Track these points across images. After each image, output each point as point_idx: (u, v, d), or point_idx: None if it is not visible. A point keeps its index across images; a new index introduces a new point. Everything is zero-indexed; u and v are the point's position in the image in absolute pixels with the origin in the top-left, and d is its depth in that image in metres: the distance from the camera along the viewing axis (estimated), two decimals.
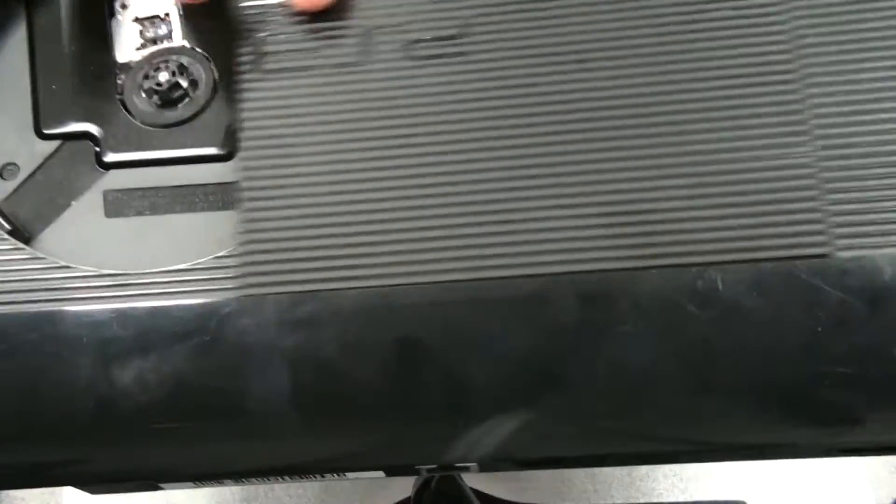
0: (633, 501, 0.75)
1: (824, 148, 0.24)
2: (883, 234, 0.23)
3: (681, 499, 0.75)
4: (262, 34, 0.28)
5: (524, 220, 0.25)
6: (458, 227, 0.25)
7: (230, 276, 0.25)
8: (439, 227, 0.25)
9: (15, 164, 0.29)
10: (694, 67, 0.26)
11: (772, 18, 0.26)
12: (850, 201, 0.24)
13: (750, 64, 0.26)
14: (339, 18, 0.28)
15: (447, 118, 0.27)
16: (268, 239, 0.26)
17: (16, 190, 0.29)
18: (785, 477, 0.74)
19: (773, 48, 0.26)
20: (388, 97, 0.27)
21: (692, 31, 0.26)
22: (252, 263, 0.25)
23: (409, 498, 0.69)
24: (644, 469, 0.76)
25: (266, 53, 0.28)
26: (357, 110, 0.27)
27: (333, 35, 0.28)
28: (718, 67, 0.26)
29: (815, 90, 0.25)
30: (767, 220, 0.24)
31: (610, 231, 0.24)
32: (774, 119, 0.25)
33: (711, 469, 0.76)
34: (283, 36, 0.28)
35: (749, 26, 0.26)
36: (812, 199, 0.24)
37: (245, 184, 0.27)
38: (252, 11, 0.29)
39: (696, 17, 0.26)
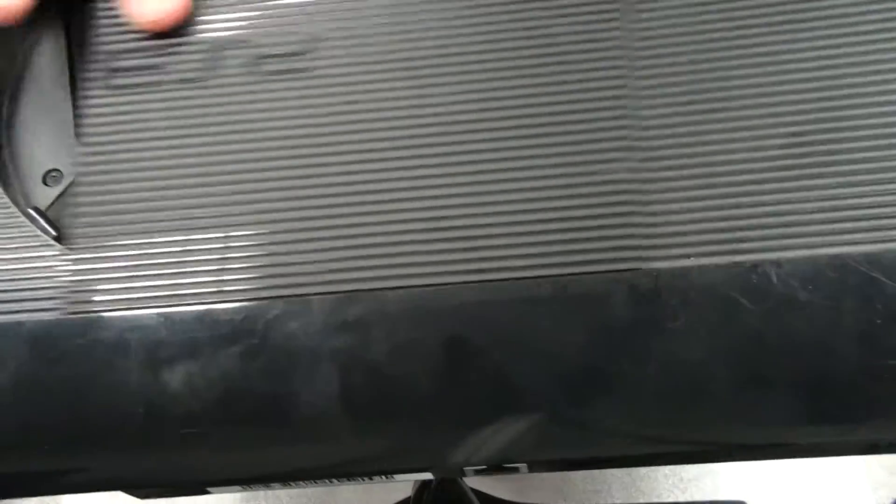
0: (632, 501, 0.75)
1: (642, 161, 0.25)
2: (695, 244, 0.24)
3: (681, 499, 0.75)
4: (107, 49, 0.29)
5: (366, 235, 0.25)
6: (301, 242, 0.26)
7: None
8: (279, 243, 0.26)
9: (59, 170, 0.29)
10: (526, 83, 0.26)
11: (605, 34, 0.26)
12: (665, 212, 0.24)
13: (581, 80, 0.26)
14: (186, 33, 0.28)
15: (292, 133, 0.27)
16: (104, 258, 0.26)
17: (60, 195, 0.29)
18: (785, 477, 0.74)
19: (606, 62, 0.26)
20: (234, 112, 0.27)
21: (526, 47, 0.27)
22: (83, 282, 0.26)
23: (409, 498, 0.69)
24: (644, 469, 0.76)
25: (113, 70, 0.28)
26: (202, 125, 0.27)
27: (180, 50, 0.28)
28: (549, 83, 0.26)
29: (644, 102, 0.26)
30: (582, 234, 0.24)
31: (435, 246, 0.25)
32: (599, 134, 0.25)
33: (712, 469, 0.76)
34: (129, 51, 0.29)
35: (583, 42, 0.26)
36: (628, 213, 0.24)
37: (84, 199, 0.27)
38: (99, 26, 0.29)
39: (530, 31, 0.27)
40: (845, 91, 0.25)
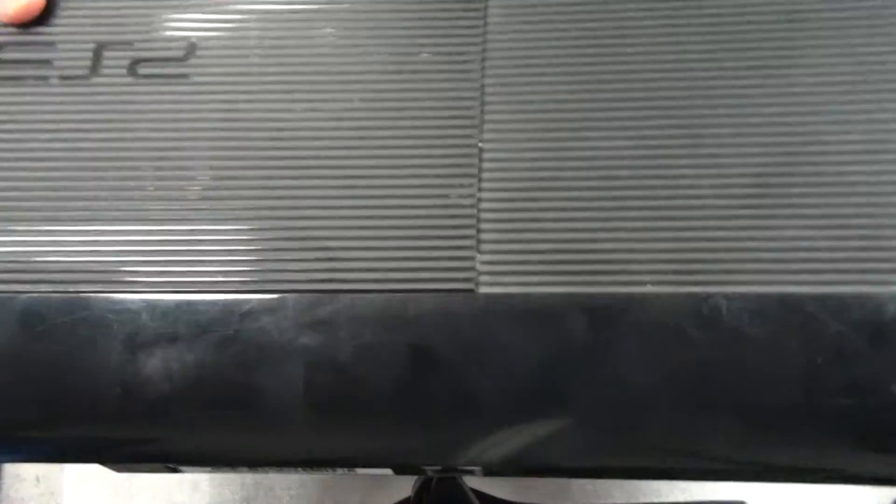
0: (633, 501, 0.75)
1: (482, 189, 0.25)
2: (525, 273, 0.25)
3: (681, 499, 0.75)
4: None
5: (219, 241, 0.26)
6: (170, 242, 0.26)
7: None
8: (152, 241, 0.26)
9: None
10: (386, 102, 0.27)
11: (462, 66, 0.27)
12: (499, 241, 0.25)
13: (435, 107, 0.27)
14: (73, 31, 0.29)
15: (165, 136, 0.27)
16: None
17: None
18: None
19: (461, 93, 0.27)
20: (109, 112, 0.28)
21: (388, 69, 0.27)
22: None
23: (409, 498, 0.69)
24: None
25: None
26: (79, 122, 0.28)
27: (65, 48, 0.29)
28: (400, 108, 0.27)
29: (489, 135, 0.26)
30: (424, 253, 0.25)
31: (304, 255, 0.26)
32: (446, 160, 0.26)
33: None
34: (13, 45, 0.29)
35: (440, 71, 0.27)
36: (466, 236, 0.25)
37: None
38: None
39: (394, 53, 0.28)
40: (806, 137, 0.25)
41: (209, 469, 0.30)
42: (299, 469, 0.29)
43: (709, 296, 0.24)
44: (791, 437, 0.24)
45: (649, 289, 0.24)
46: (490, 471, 0.29)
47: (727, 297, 0.24)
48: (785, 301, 0.24)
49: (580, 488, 0.75)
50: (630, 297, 0.24)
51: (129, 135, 0.28)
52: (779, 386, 0.24)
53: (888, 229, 0.24)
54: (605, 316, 0.24)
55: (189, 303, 0.26)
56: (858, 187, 0.24)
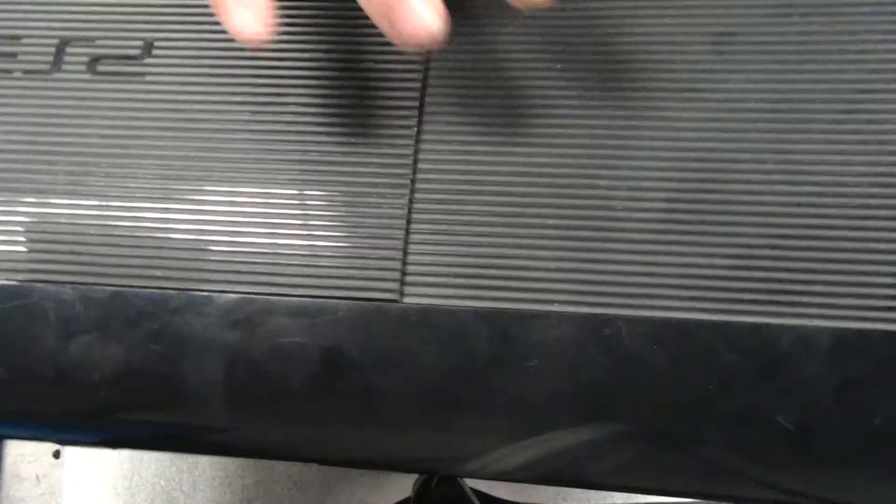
0: (633, 502, 0.75)
1: (414, 201, 0.26)
2: (448, 286, 0.25)
3: (681, 499, 0.75)
4: None
5: (168, 238, 0.27)
6: (113, 236, 0.27)
7: None
8: (115, 235, 0.27)
9: None
10: (316, 111, 0.27)
11: (403, 76, 0.27)
12: (426, 252, 0.26)
13: (375, 115, 0.27)
14: (38, 27, 0.30)
15: (121, 133, 0.28)
16: None
17: None
18: None
19: (401, 103, 0.27)
20: (69, 107, 0.28)
21: (331, 77, 0.28)
22: None
23: (409, 498, 0.69)
24: None
25: None
26: (39, 116, 0.28)
27: (30, 42, 0.29)
28: (341, 114, 0.27)
29: (425, 146, 0.27)
30: (352, 262, 0.26)
31: (230, 257, 0.26)
32: (381, 170, 0.26)
33: None
34: None
35: (382, 80, 0.28)
36: (394, 247, 0.26)
37: None
38: None
39: (342, 63, 0.28)
40: (719, 164, 0.26)
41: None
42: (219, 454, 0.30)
43: (611, 318, 0.25)
44: (680, 461, 0.25)
45: (555, 307, 0.25)
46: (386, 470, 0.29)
47: (627, 320, 0.25)
48: (683, 328, 0.25)
49: (580, 489, 0.75)
50: (536, 314, 0.25)
51: (84, 131, 0.28)
52: (671, 408, 0.25)
53: (787, 261, 0.24)
54: (510, 332, 0.25)
55: (120, 296, 0.26)
56: (766, 218, 0.25)
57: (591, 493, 0.75)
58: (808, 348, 0.24)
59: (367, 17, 0.23)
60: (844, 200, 0.25)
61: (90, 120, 0.28)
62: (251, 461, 0.92)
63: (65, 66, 0.29)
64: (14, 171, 0.28)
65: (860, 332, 0.24)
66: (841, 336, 0.24)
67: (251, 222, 0.26)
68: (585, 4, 0.27)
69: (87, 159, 0.28)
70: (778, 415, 0.24)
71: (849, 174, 0.25)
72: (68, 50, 0.29)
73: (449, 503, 0.65)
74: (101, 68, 0.29)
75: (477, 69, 0.27)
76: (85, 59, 0.29)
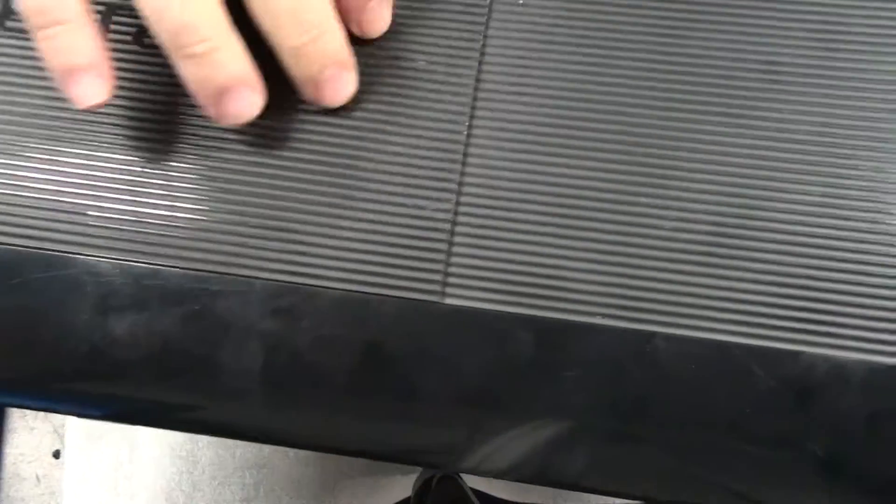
0: (632, 501, 0.75)
1: (460, 204, 0.26)
2: (490, 290, 0.26)
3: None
4: None
5: (210, 221, 0.27)
6: (147, 215, 0.27)
7: None
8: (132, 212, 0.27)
9: None
10: (366, 107, 0.27)
11: (456, 80, 0.27)
12: (470, 255, 0.26)
13: (427, 118, 0.27)
14: None
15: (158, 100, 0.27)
16: None
17: None
18: None
19: (452, 106, 0.27)
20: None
21: (381, 74, 0.27)
22: None
23: (409, 498, 0.70)
24: None
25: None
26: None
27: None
28: (391, 112, 0.27)
29: (474, 150, 0.27)
30: (397, 261, 0.26)
31: (277, 245, 0.26)
32: (430, 172, 0.27)
33: None
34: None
35: (434, 81, 0.27)
36: (439, 249, 0.26)
37: None
38: None
39: (391, 62, 0.28)
40: (767, 192, 0.26)
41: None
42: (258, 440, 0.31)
43: (652, 334, 0.25)
44: (710, 480, 0.26)
45: (598, 320, 0.25)
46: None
47: (667, 338, 0.25)
48: (721, 349, 0.25)
49: None
50: (578, 325, 0.25)
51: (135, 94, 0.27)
52: (705, 428, 0.25)
53: (827, 293, 0.25)
54: (551, 340, 0.26)
55: (160, 274, 0.26)
56: (808, 249, 0.25)
57: (592, 494, 0.75)
58: (842, 380, 0.25)
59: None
60: (888, 238, 0.25)
61: (136, 98, 0.27)
62: (251, 461, 0.92)
63: (116, 36, 0.28)
64: (65, 138, 0.27)
65: (892, 367, 0.24)
66: (874, 370, 0.25)
67: (299, 218, 0.26)
68: (636, 28, 0.27)
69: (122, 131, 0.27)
70: (808, 441, 0.25)
71: (895, 211, 0.25)
72: (116, 19, 0.28)
73: (449, 503, 0.65)
74: (146, 40, 0.28)
75: (529, 76, 0.27)
76: (134, 28, 0.28)
